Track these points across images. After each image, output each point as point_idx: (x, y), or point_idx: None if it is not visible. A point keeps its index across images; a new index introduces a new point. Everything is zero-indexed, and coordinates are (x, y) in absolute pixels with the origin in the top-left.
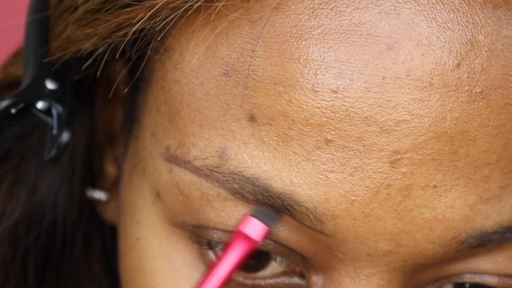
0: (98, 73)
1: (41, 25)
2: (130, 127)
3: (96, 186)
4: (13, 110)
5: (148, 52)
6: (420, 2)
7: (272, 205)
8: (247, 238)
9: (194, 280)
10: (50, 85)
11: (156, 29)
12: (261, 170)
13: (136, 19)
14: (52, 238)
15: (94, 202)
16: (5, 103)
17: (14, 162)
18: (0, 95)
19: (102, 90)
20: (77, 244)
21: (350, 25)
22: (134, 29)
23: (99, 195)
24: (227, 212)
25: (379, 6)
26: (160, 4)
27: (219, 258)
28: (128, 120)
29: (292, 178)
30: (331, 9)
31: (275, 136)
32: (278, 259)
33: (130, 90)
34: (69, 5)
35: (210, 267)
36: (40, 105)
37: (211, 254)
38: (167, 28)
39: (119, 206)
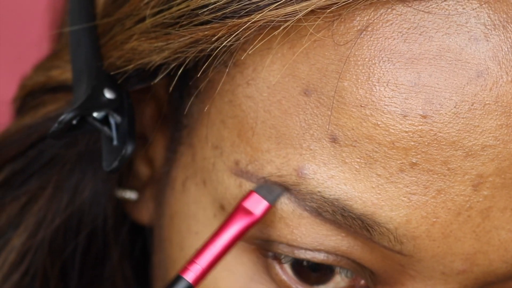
0: (171, 88)
1: (91, 32)
2: (178, 133)
3: (124, 185)
4: (74, 121)
5: (214, 65)
6: (508, 29)
7: (349, 225)
8: (248, 213)
9: None
10: (108, 94)
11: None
12: (341, 191)
13: (216, 36)
14: (92, 243)
15: (122, 202)
16: (70, 115)
17: (58, 168)
18: (41, 98)
19: (147, 93)
20: (116, 248)
21: (440, 50)
22: (213, 46)
23: (128, 194)
24: (301, 230)
25: (468, 32)
26: (247, 25)
27: (217, 230)
28: (175, 125)
29: (373, 200)
30: (420, 34)
31: (358, 158)
32: (344, 273)
33: (174, 94)
34: (129, 14)
35: (208, 239)
36: (96, 114)
37: (278, 268)
38: (250, 47)
39: (167, 213)
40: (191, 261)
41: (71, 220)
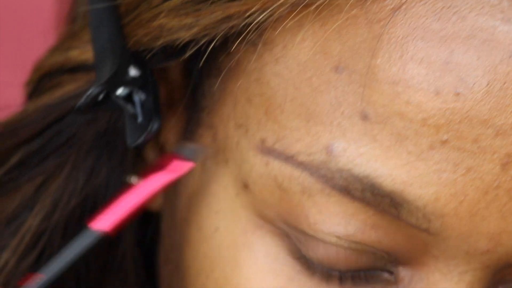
0: (201, 63)
1: (113, 12)
2: (196, 115)
3: (133, 171)
4: (100, 97)
5: (243, 44)
6: None
7: (378, 203)
8: (168, 170)
9: (282, 273)
10: (133, 72)
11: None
12: (371, 168)
13: (250, 12)
14: None
15: None
16: (98, 89)
17: (76, 148)
18: (59, 78)
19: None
20: (129, 232)
21: (473, 30)
22: (245, 22)
23: (135, 180)
24: (329, 209)
25: (501, 13)
26: (281, 0)
27: (135, 186)
28: (192, 107)
29: (403, 177)
30: (453, 13)
31: (388, 135)
32: None
33: (189, 77)
34: None
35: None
36: (119, 92)
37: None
38: (280, 25)
39: (184, 194)
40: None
41: (86, 202)
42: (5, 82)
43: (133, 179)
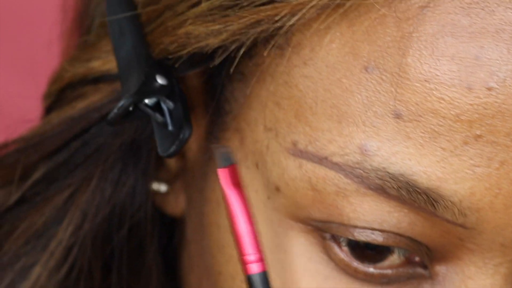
0: (232, 70)
1: (134, 21)
2: (220, 119)
3: (153, 178)
4: (130, 108)
5: (269, 48)
6: None
7: (414, 200)
8: (232, 185)
9: (317, 272)
10: (160, 80)
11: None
12: (406, 166)
13: (279, 16)
14: (133, 236)
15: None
16: (129, 101)
17: (103, 159)
18: (81, 90)
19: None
20: (153, 241)
21: (502, 24)
22: (274, 26)
23: (157, 186)
24: (364, 208)
25: None
26: (312, 3)
27: (230, 216)
28: (215, 113)
29: (438, 174)
30: (482, 8)
31: (421, 133)
32: (401, 252)
33: (209, 83)
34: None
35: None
36: (147, 100)
37: (336, 248)
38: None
39: (213, 199)
40: (242, 257)
41: (113, 213)
42: (13, 93)
43: (156, 186)
